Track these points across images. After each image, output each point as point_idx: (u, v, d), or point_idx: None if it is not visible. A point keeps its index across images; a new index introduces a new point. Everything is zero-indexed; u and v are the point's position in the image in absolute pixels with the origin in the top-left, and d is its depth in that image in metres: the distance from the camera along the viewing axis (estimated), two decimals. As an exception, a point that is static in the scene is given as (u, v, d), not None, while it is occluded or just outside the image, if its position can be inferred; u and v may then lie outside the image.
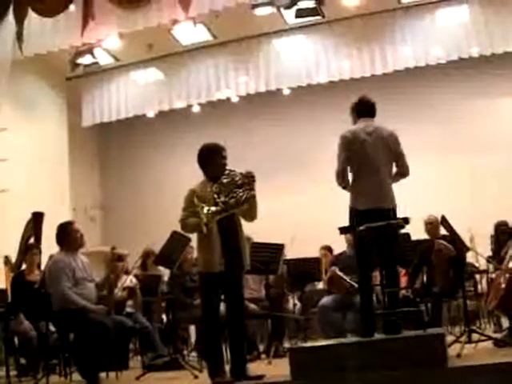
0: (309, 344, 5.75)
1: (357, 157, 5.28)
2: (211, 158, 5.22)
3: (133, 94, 11.72)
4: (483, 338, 5.55)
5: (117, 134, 12.68)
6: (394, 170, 5.34)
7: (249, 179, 5.04)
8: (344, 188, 5.33)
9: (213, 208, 4.84)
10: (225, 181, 5.01)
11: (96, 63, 10.72)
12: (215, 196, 4.90)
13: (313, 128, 11.48)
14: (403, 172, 5.33)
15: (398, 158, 5.30)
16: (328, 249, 8.58)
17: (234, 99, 11.49)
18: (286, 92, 11.29)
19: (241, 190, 4.96)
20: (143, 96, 11.67)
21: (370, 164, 5.23)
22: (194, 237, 5.45)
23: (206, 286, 5.12)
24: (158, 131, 12.37)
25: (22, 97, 11.03)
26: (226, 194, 4.94)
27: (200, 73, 11.28)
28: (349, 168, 5.32)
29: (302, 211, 11.11)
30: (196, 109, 11.84)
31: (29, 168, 10.91)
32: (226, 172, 5.09)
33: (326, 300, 7.51)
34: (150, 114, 11.90)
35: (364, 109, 5.44)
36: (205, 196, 5.00)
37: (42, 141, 11.42)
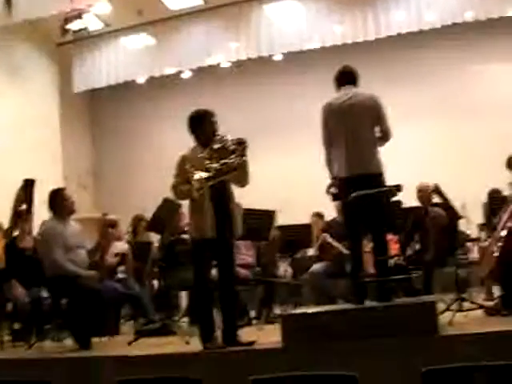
0: (300, 311, 5.78)
1: (335, 125, 5.26)
2: (201, 124, 5.20)
3: (123, 59, 11.65)
4: (474, 306, 5.56)
5: (108, 100, 12.60)
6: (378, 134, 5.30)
7: (241, 145, 5.02)
8: (327, 161, 5.32)
9: (204, 174, 4.83)
10: (216, 146, 4.99)
11: (86, 29, 10.63)
12: (207, 162, 4.88)
13: (304, 94, 11.38)
14: (384, 136, 5.26)
15: (379, 121, 5.23)
16: (319, 215, 8.59)
17: (225, 65, 11.40)
18: (278, 58, 11.20)
19: (233, 156, 4.95)
20: (134, 62, 11.60)
21: (348, 131, 5.20)
22: (186, 203, 5.44)
23: (197, 252, 5.13)
24: (149, 97, 12.29)
25: (12, 63, 10.96)
26: (218, 159, 4.92)
27: (191, 38, 11.20)
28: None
29: (293, 176, 11.11)
30: (187, 75, 11.75)
31: (20, 134, 10.86)
32: (218, 138, 5.07)
33: (316, 266, 7.56)
34: (141, 80, 11.83)
35: (343, 77, 5.41)
36: (196, 162, 4.98)
37: (34, 107, 11.35)
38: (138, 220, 8.07)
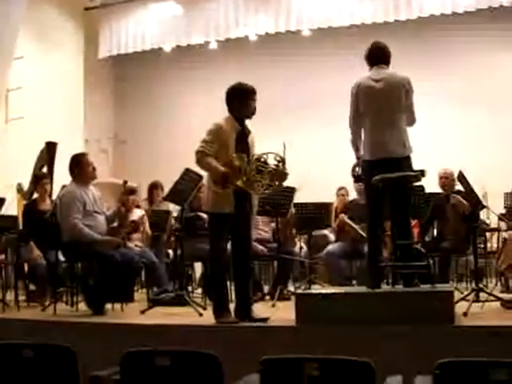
0: (315, 291, 5.76)
1: (364, 106, 5.19)
2: (243, 99, 5.12)
3: (150, 27, 11.55)
4: (491, 298, 5.45)
5: (132, 67, 12.52)
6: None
7: (280, 182, 5.05)
8: (353, 141, 5.26)
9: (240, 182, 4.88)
10: (271, 162, 4.95)
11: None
12: (245, 166, 4.87)
13: (330, 71, 11.27)
14: (410, 121, 5.18)
15: (407, 105, 5.15)
16: (345, 190, 8.52)
17: (252, 38, 11.30)
18: (306, 34, 11.07)
19: (270, 188, 4.99)
20: (161, 29, 11.50)
21: (377, 112, 5.12)
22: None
23: (215, 226, 5.11)
24: (174, 66, 12.22)
25: (39, 26, 10.92)
26: (253, 174, 4.90)
27: (219, 9, 11.07)
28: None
29: (316, 154, 11.03)
30: (213, 45, 11.64)
31: (43, 97, 10.85)
32: (280, 155, 4.96)
33: (333, 246, 7.55)
34: (167, 49, 11.75)
35: (375, 56, 5.30)
36: (229, 140, 5.00)
37: (58, 70, 11.33)
38: (153, 187, 8.06)
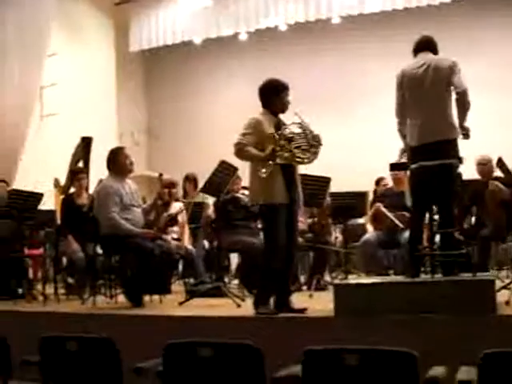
0: (354, 281, 5.74)
1: (409, 92, 5.14)
2: (278, 94, 5.16)
3: (180, 19, 11.61)
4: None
5: (163, 60, 12.60)
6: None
7: (318, 143, 5.01)
8: (400, 130, 5.22)
9: (296, 151, 4.91)
10: (296, 131, 4.98)
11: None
12: (283, 142, 4.88)
13: (362, 59, 11.19)
14: (461, 103, 4.99)
15: (455, 88, 4.98)
16: (384, 180, 8.48)
17: (283, 27, 11.27)
18: (336, 21, 11.00)
19: (312, 151, 4.98)
20: (191, 22, 11.56)
21: (422, 96, 5.05)
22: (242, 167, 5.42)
23: (268, 217, 5.10)
24: (205, 58, 12.25)
25: (71, 22, 11.04)
26: (296, 146, 4.93)
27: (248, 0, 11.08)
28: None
29: (351, 143, 10.97)
30: (243, 37, 11.65)
31: (77, 93, 10.98)
32: (298, 121, 5.02)
33: (369, 236, 7.51)
34: (197, 41, 11.79)
35: (418, 45, 5.25)
36: (268, 131, 5.01)
37: (90, 65, 11.44)
38: (187, 179, 8.09)
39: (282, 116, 5.24)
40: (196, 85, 12.68)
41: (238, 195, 6.77)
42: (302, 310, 5.01)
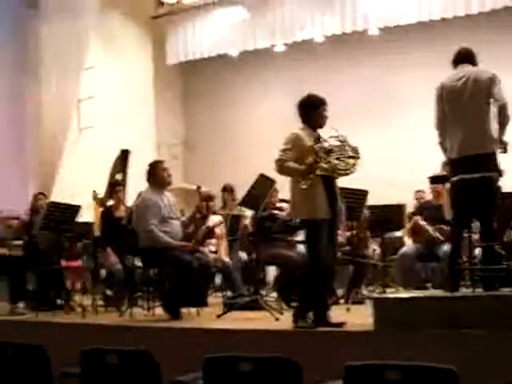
0: (393, 295, 5.69)
1: (448, 106, 5.09)
2: (316, 109, 5.22)
3: (217, 32, 11.67)
4: None
5: (200, 73, 12.65)
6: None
7: (357, 155, 5.05)
8: (441, 143, 5.18)
9: (336, 162, 4.95)
10: (335, 143, 5.03)
11: (180, 1, 10.71)
12: (322, 154, 4.92)
13: (399, 71, 11.10)
14: (502, 116, 4.94)
15: (495, 100, 4.93)
16: (423, 193, 8.40)
17: (319, 39, 11.24)
18: (374, 33, 10.94)
19: (351, 163, 5.02)
20: (227, 35, 11.60)
21: (461, 109, 5.00)
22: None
23: (313, 232, 5.10)
24: (241, 71, 12.26)
25: (108, 35, 11.18)
26: (336, 157, 4.97)
27: (285, 11, 11.08)
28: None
29: (390, 155, 10.85)
30: (280, 49, 11.64)
31: (115, 105, 11.11)
32: (336, 134, 5.07)
33: (406, 249, 7.44)
34: (234, 53, 11.82)
35: (457, 57, 5.21)
36: (308, 145, 5.04)
37: (128, 78, 11.57)
38: (224, 190, 8.11)
39: (319, 131, 5.26)
40: (232, 96, 12.71)
41: (276, 212, 6.76)
42: (340, 324, 4.99)
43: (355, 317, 5.49)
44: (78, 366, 3.77)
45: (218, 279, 7.64)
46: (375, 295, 6.32)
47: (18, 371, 4.00)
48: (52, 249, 7.27)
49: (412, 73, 10.51)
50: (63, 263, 7.53)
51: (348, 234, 7.17)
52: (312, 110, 5.22)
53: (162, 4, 10.95)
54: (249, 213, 7.15)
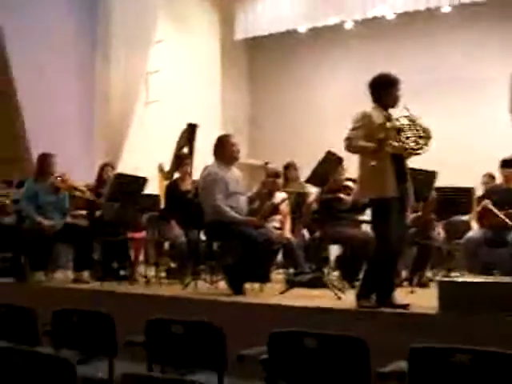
0: (459, 279, 5.59)
1: None
2: (389, 88, 5.12)
3: (286, 8, 11.58)
4: None
5: (267, 48, 12.60)
6: None
7: (428, 135, 4.95)
8: None
9: (406, 141, 4.89)
10: (406, 122, 4.95)
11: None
12: (392, 132, 4.88)
13: (473, 52, 10.80)
14: None
15: None
16: (492, 177, 8.20)
17: (390, 17, 11.04)
18: (446, 10, 10.66)
19: (421, 142, 4.93)
20: (296, 11, 11.50)
21: None
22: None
23: (381, 211, 5.03)
24: (309, 48, 12.16)
25: (176, 10, 11.22)
26: (406, 137, 4.91)
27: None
28: None
29: (455, 137, 10.62)
30: (349, 25, 11.49)
31: (182, 79, 11.17)
32: (407, 114, 4.98)
33: (474, 233, 7.28)
34: (302, 30, 11.72)
35: None
36: (378, 124, 4.98)
37: (195, 53, 11.62)
38: (287, 168, 8.08)
39: (391, 111, 5.17)
40: (299, 74, 12.60)
41: (342, 196, 6.69)
42: (405, 306, 4.93)
43: (419, 299, 5.42)
44: (142, 335, 3.83)
45: (279, 256, 7.64)
46: (440, 278, 6.22)
47: (84, 338, 4.10)
48: (118, 220, 7.36)
49: (487, 53, 10.23)
50: (128, 234, 7.62)
51: (414, 215, 7.07)
52: (384, 90, 5.12)
53: (231, -20, 10.96)
54: (313, 190, 7.11)
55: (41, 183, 7.32)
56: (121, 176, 7.26)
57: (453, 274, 6.79)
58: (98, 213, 7.62)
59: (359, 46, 11.54)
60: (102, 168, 8.04)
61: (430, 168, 6.65)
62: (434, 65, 11.08)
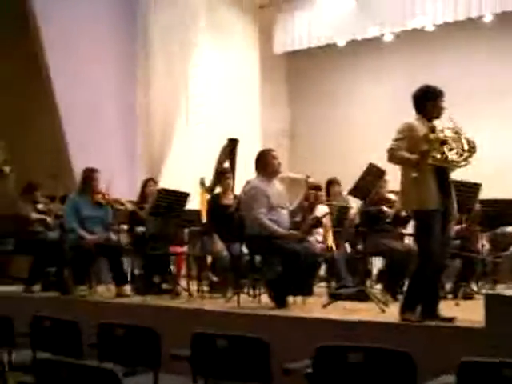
0: (508, 292, 5.50)
1: None
2: (434, 100, 5.10)
3: (324, 21, 11.55)
4: None
5: (306, 62, 12.56)
6: None
7: (472, 148, 4.91)
8: None
9: (449, 153, 4.85)
10: (450, 134, 4.91)
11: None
12: (436, 144, 4.83)
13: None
14: None
15: None
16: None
17: (430, 28, 10.94)
18: (488, 19, 10.52)
19: (465, 155, 4.89)
20: (335, 24, 11.45)
21: None
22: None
23: (424, 223, 5.00)
24: (348, 60, 12.09)
25: (217, 24, 11.29)
26: (450, 149, 4.87)
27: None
28: None
29: (504, 148, 10.44)
30: (388, 38, 11.41)
31: (223, 94, 11.22)
32: (452, 125, 4.96)
33: (520, 245, 7.18)
34: (341, 43, 11.69)
35: None
36: (422, 135, 4.94)
37: (235, 67, 11.67)
38: (330, 183, 8.07)
39: (435, 122, 5.15)
40: (339, 87, 12.52)
41: (384, 208, 6.66)
42: (451, 319, 4.87)
43: (464, 312, 5.35)
44: (187, 349, 3.84)
45: (321, 269, 7.61)
46: (487, 291, 6.13)
47: (129, 351, 4.12)
48: (160, 234, 7.43)
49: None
50: (170, 249, 7.67)
51: (458, 227, 6.99)
52: (428, 101, 5.10)
53: (270, -7, 11.01)
54: (354, 205, 7.09)
55: (84, 197, 7.44)
56: (164, 191, 7.32)
57: (498, 287, 6.68)
58: (140, 228, 7.69)
59: (399, 59, 11.45)
60: (145, 183, 8.13)
61: (475, 179, 6.59)
62: (477, 75, 10.90)
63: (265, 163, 6.23)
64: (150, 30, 10.72)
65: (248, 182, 6.33)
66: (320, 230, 7.21)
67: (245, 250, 6.56)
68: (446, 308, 5.37)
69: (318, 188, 7.27)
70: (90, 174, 7.50)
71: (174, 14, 10.52)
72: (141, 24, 10.79)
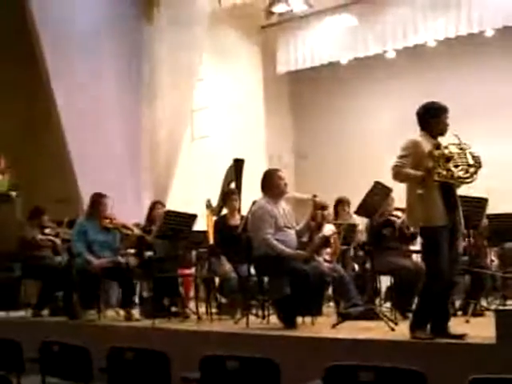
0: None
1: None
2: (437, 117, 5.09)
3: (327, 40, 11.66)
4: None
5: (309, 81, 12.63)
6: None
7: (478, 164, 4.90)
8: None
9: (454, 169, 4.83)
10: (455, 150, 4.91)
11: (290, 11, 10.78)
12: (441, 160, 4.83)
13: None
14: None
15: None
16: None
17: (432, 44, 11.01)
18: (490, 34, 10.57)
19: (471, 171, 4.87)
20: (337, 42, 11.58)
21: None
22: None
23: (429, 241, 4.99)
24: (351, 78, 12.16)
25: (219, 46, 11.39)
26: (455, 165, 4.87)
27: (396, 16, 10.93)
28: None
29: (504, 163, 10.42)
30: (391, 55, 11.49)
31: (227, 115, 11.29)
32: (457, 141, 4.96)
33: (529, 259, 7.16)
34: (344, 61, 11.76)
35: None
36: (426, 152, 4.93)
37: (239, 88, 11.74)
38: (339, 203, 8.06)
39: (440, 139, 5.14)
40: (343, 105, 12.61)
41: (392, 218, 6.66)
42: (461, 336, 4.83)
43: (474, 329, 5.31)
44: (197, 372, 3.83)
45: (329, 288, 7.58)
46: (497, 307, 6.09)
47: (139, 375, 4.11)
48: (167, 257, 7.42)
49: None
50: (177, 271, 7.65)
51: (465, 243, 6.97)
52: (432, 118, 5.10)
53: (272, 14, 11.05)
54: (361, 222, 7.08)
55: (91, 222, 7.45)
56: (171, 213, 7.32)
57: (509, 303, 6.63)
58: (148, 253, 7.69)
59: (402, 75, 11.51)
60: (153, 206, 8.13)
61: (481, 194, 6.57)
62: (481, 90, 10.93)
63: (271, 184, 6.23)
64: (155, 52, 10.77)
65: (254, 203, 6.33)
66: (327, 249, 7.19)
67: (253, 270, 6.54)
68: (457, 325, 5.34)
69: (324, 207, 7.26)
70: (98, 199, 7.53)
71: (178, 39, 10.57)
72: (146, 50, 10.85)
